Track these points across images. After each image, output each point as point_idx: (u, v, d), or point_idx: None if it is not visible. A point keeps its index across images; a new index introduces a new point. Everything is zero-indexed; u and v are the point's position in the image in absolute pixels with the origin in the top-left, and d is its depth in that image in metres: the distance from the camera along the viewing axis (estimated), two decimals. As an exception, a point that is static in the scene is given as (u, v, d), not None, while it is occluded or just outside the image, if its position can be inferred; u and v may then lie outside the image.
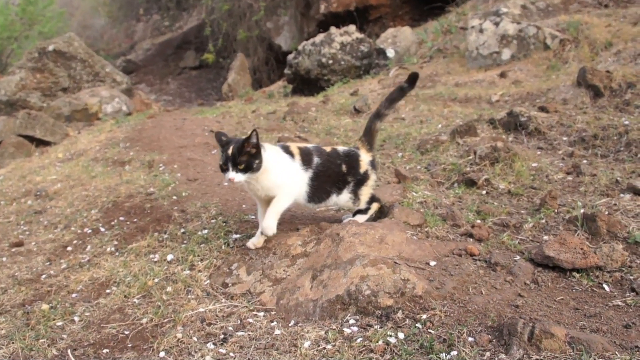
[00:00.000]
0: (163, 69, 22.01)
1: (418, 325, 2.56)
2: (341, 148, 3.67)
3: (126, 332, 2.93)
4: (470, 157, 4.76)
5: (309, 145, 3.57)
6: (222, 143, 3.25)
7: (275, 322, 2.85)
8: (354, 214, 3.68)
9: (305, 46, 11.65)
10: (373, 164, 3.67)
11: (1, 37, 21.36)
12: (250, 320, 2.89)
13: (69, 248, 4.37)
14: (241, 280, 3.24)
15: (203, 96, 18.80)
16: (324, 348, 2.51)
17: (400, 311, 2.66)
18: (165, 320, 2.96)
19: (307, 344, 2.56)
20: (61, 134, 9.41)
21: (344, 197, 3.58)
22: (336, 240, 3.19)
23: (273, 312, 2.95)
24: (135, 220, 4.53)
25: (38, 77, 12.03)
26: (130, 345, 2.81)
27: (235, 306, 3.04)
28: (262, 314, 2.95)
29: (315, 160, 3.45)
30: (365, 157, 3.63)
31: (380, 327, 2.58)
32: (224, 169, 3.19)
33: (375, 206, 3.69)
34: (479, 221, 3.67)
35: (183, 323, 2.90)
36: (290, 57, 11.98)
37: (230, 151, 3.13)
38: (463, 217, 3.72)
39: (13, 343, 2.93)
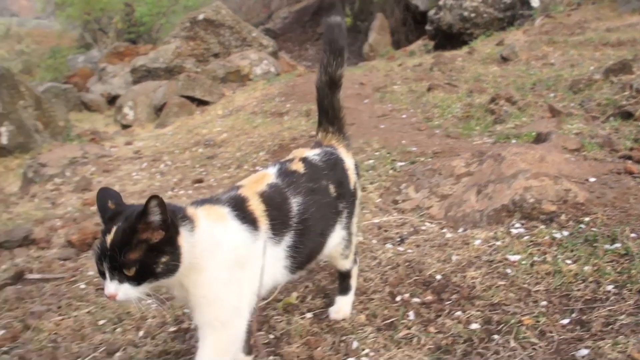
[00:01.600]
0: (301, 35, 22.86)
1: (581, 225, 2.86)
2: (312, 153, 2.37)
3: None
4: (627, 92, 4.85)
5: (270, 174, 2.21)
6: (105, 216, 1.84)
7: (445, 229, 3.26)
8: (341, 282, 2.58)
9: (446, 1, 11.78)
10: (357, 169, 2.53)
11: (151, 14, 23.16)
12: (422, 227, 3.32)
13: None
14: (410, 198, 3.67)
15: (340, 60, 19.33)
16: (494, 244, 2.89)
17: (563, 215, 2.97)
18: (346, 228, 3.46)
19: (477, 242, 2.95)
20: (218, 94, 10.32)
21: (335, 239, 2.36)
22: (498, 160, 3.52)
23: (442, 222, 3.36)
24: (302, 157, 5.09)
25: (191, 44, 13.10)
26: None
27: (407, 218, 3.47)
28: (432, 223, 3.37)
29: (295, 206, 2.13)
30: (348, 161, 2.46)
31: (546, 228, 2.91)
32: (100, 272, 1.80)
33: (356, 270, 2.59)
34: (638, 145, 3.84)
35: (363, 230, 3.37)
36: (431, 13, 12.17)
37: (109, 239, 1.75)
38: (620, 143, 3.90)
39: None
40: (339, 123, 2.59)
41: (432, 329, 2.30)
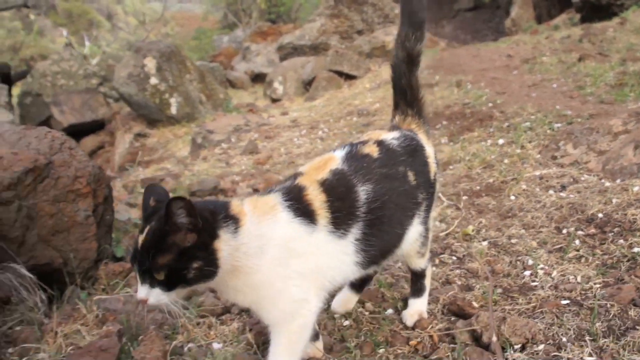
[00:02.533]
0: (437, 12, 22.93)
1: None
2: (391, 136, 2.16)
3: (477, 188, 3.91)
4: None
5: (336, 158, 2.03)
6: (146, 212, 1.79)
7: (603, 180, 3.60)
8: (414, 283, 2.39)
9: (595, -28, 11.59)
10: (436, 159, 2.32)
11: (291, -7, 24.19)
12: (582, 178, 3.68)
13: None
14: (568, 154, 4.02)
15: (479, 37, 19.32)
16: (654, 191, 3.22)
17: None
18: (509, 179, 3.88)
19: (636, 188, 3.28)
20: (364, 69, 10.91)
21: (412, 235, 2.17)
22: (657, 119, 3.80)
23: (600, 174, 3.70)
24: (457, 122, 5.53)
25: (335, 22, 13.76)
26: (484, 194, 3.78)
27: (565, 171, 3.84)
28: (590, 175, 3.71)
29: (362, 194, 1.94)
30: (428, 148, 2.27)
31: None
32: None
33: (430, 269, 2.40)
34: None
35: (524, 180, 3.78)
36: (578, -15, 12.01)
37: (140, 240, 1.70)
38: None
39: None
40: (418, 105, 2.37)
41: (598, 251, 2.71)
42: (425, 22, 2.30)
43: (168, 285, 1.67)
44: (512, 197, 3.59)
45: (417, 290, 2.37)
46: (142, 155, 8.93)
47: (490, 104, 5.69)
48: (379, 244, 1.97)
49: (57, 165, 3.12)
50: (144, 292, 1.68)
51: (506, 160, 4.18)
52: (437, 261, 2.94)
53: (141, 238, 1.67)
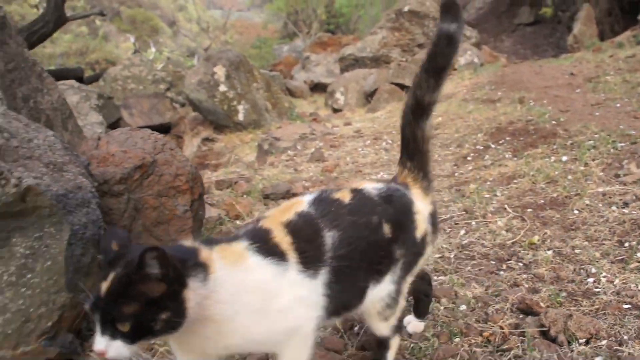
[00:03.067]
0: (496, 27, 23.02)
1: None
2: (372, 186, 2.06)
3: (541, 201, 4.13)
4: None
5: (303, 201, 1.95)
6: (106, 259, 1.64)
7: (667, 198, 3.79)
8: (375, 353, 2.26)
9: (663, -8, 11.60)
10: (434, 220, 2.18)
11: (350, 5, 24.62)
12: (645, 197, 3.88)
13: (469, 157, 5.77)
14: (632, 172, 4.21)
15: (539, 52, 19.34)
16: None
17: None
18: (572, 194, 4.09)
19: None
20: (425, 82, 11.16)
21: (377, 293, 2.00)
22: None
23: (663, 193, 3.89)
24: (521, 138, 5.74)
25: (396, 35, 14.07)
26: (548, 207, 4.01)
27: (628, 189, 4.03)
28: (653, 194, 3.91)
29: (328, 239, 1.85)
30: (420, 204, 2.12)
31: None
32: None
33: (396, 342, 2.17)
34: None
35: (587, 196, 3.99)
36: (645, 3, 12.02)
37: (104, 287, 1.58)
38: None
39: (457, 204, 4.36)
40: (420, 159, 2.19)
41: (659, 264, 2.93)
42: (447, 69, 2.09)
43: (132, 337, 1.54)
44: (576, 212, 3.81)
45: (382, 344, 2.14)
46: (209, 159, 9.39)
47: (553, 122, 5.89)
48: (340, 295, 1.85)
49: (160, 163, 3.50)
50: (103, 343, 1.54)
51: (570, 177, 4.39)
52: (504, 266, 3.20)
53: (105, 285, 1.55)
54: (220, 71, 10.17)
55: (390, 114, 9.64)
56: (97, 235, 2.52)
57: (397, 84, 11.05)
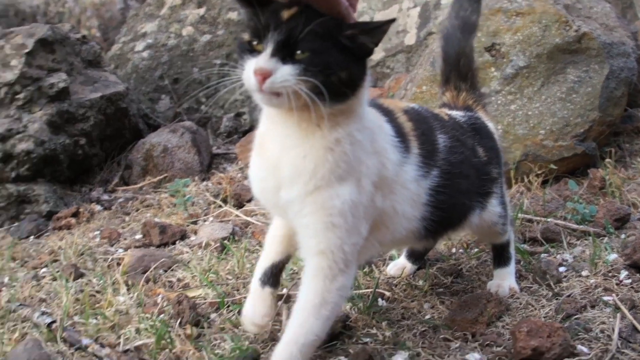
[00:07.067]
0: None
1: None
2: (454, 112, 1.98)
3: None
4: None
5: (414, 106, 1.81)
6: None
7: None
8: (496, 262, 2.12)
9: None
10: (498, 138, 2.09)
11: None
12: None
13: None
14: None
15: None
16: None
17: None
18: None
19: None
20: None
21: (490, 213, 1.92)
22: None
23: None
24: None
25: None
26: None
27: None
28: None
29: (441, 141, 1.71)
30: (491, 124, 2.06)
31: None
32: (246, 49, 1.41)
33: (512, 235, 2.10)
34: None
35: None
36: None
37: (286, 13, 1.36)
38: None
39: None
40: (472, 78, 2.12)
41: None
42: None
43: (304, 66, 1.33)
44: None
45: (502, 261, 2.13)
46: None
47: None
48: (449, 203, 1.70)
49: None
50: (271, 63, 1.33)
51: None
52: None
53: (285, 12, 1.36)
54: None
55: None
56: (629, 79, 3.35)
57: None
